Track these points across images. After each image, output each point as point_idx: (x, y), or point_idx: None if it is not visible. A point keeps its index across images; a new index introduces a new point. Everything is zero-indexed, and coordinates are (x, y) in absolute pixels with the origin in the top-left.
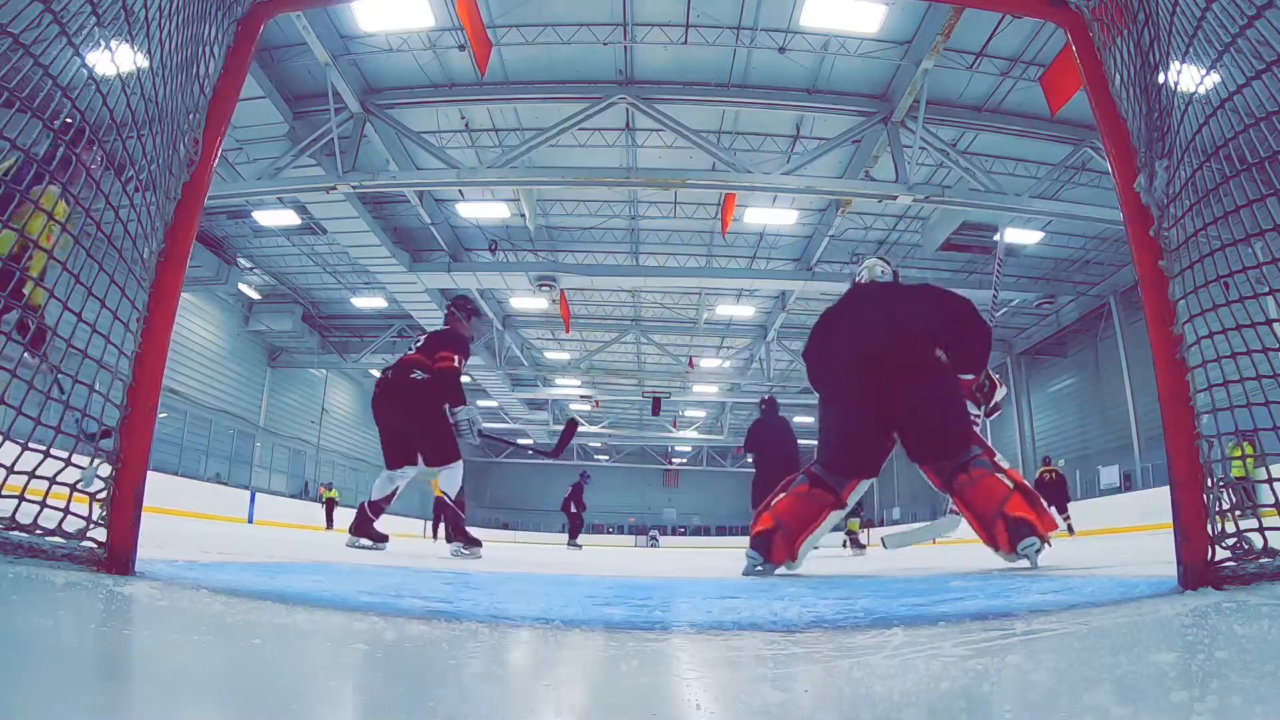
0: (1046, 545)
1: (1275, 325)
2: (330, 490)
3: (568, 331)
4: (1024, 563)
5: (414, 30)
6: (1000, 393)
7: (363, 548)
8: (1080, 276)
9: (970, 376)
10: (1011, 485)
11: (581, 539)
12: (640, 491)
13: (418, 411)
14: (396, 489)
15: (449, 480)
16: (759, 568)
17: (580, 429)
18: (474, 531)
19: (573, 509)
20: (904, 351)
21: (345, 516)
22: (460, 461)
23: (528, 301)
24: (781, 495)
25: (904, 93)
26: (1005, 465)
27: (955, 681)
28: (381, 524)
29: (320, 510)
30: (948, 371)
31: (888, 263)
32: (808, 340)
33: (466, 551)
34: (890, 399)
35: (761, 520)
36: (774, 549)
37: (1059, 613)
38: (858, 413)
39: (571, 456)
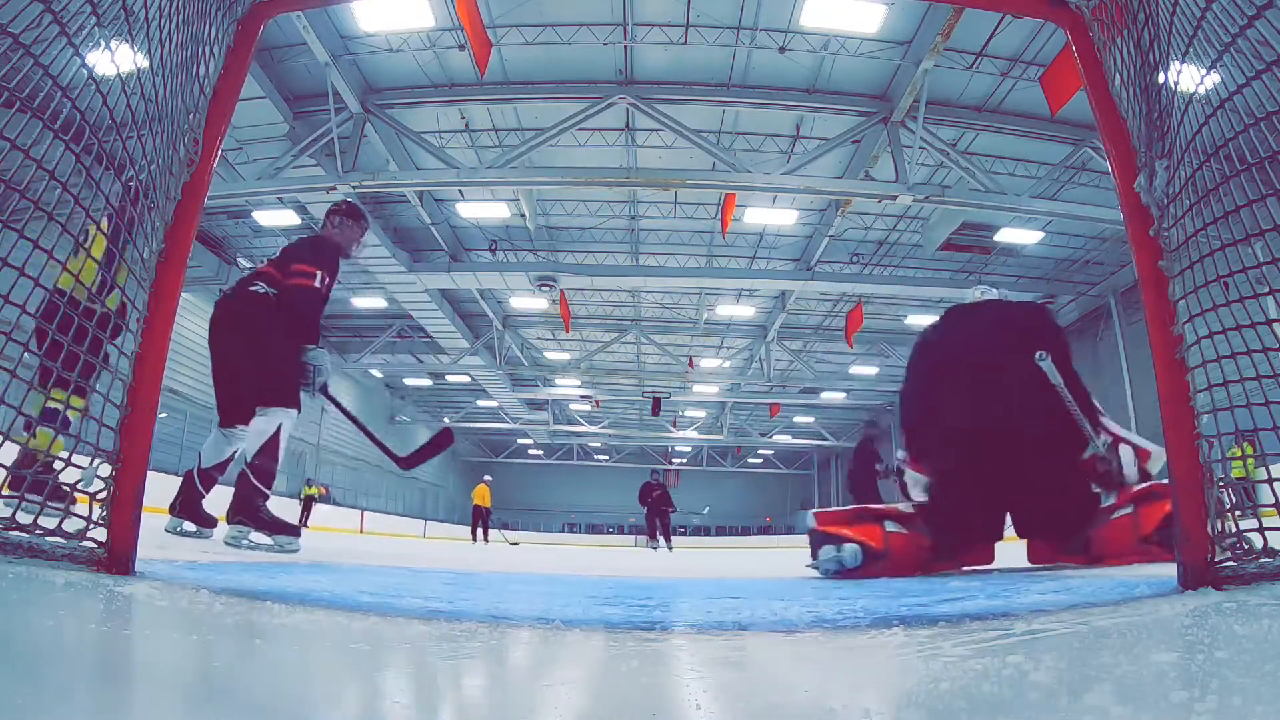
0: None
1: (1275, 325)
2: (311, 487)
3: (568, 331)
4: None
5: (414, 30)
6: (1155, 463)
7: (186, 534)
8: (1080, 276)
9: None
10: (1130, 508)
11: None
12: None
13: (253, 336)
14: (232, 455)
15: (259, 430)
16: (834, 570)
17: (580, 429)
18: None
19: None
20: (1024, 420)
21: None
22: (292, 411)
23: (528, 301)
24: (902, 530)
25: (904, 93)
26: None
27: (955, 681)
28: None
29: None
30: (1075, 447)
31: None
32: (910, 397)
33: (271, 539)
34: (1006, 483)
35: (870, 532)
36: (866, 572)
37: (1059, 613)
38: (969, 496)
39: (571, 457)
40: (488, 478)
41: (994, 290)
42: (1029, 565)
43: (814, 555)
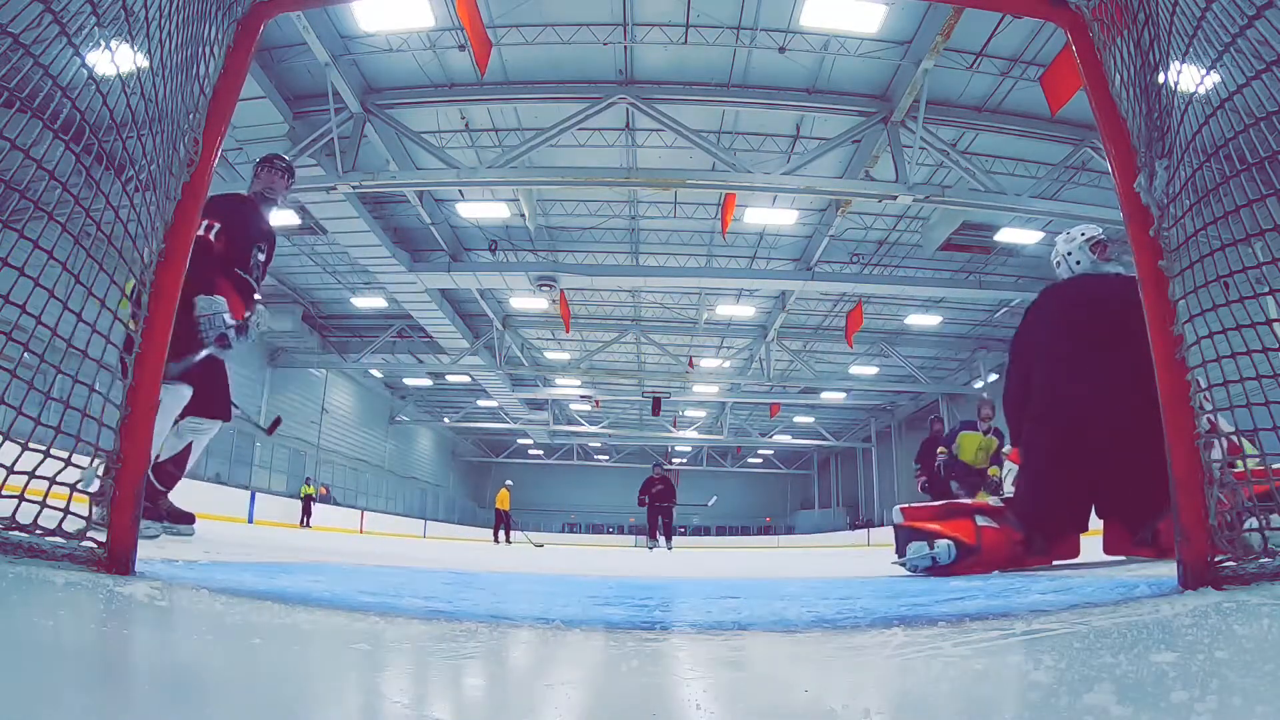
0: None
1: (1275, 325)
2: (310, 486)
3: (568, 331)
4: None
5: (414, 30)
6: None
7: (151, 536)
8: None
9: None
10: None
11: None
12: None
13: None
14: (187, 448)
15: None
16: (924, 567)
17: (580, 429)
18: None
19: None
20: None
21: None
22: (171, 386)
23: (528, 301)
24: (994, 524)
25: (904, 93)
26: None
27: (955, 681)
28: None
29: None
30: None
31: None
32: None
33: (177, 529)
34: (1093, 472)
35: (962, 527)
36: (957, 569)
37: (1059, 613)
38: (1060, 488)
39: (571, 457)
40: (509, 482)
41: (1115, 256)
42: (1106, 558)
43: (900, 552)
